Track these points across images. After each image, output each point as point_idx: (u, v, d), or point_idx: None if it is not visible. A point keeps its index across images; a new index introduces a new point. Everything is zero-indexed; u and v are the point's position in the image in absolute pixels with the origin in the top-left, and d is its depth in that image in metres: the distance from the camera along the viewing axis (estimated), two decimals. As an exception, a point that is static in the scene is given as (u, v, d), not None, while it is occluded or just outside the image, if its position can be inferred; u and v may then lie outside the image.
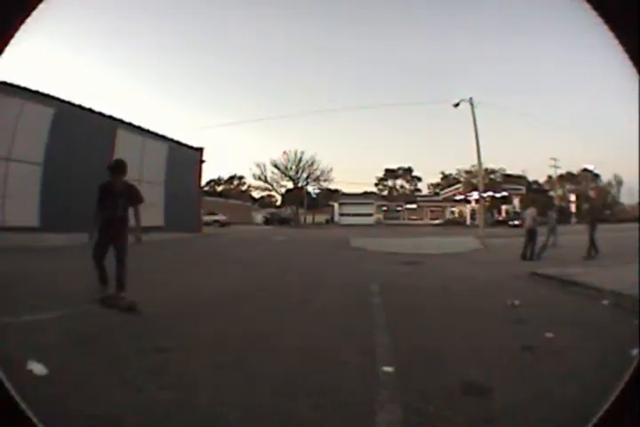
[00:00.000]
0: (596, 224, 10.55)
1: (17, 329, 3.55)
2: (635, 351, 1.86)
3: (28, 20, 1.33)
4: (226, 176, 70.36)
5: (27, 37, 1.40)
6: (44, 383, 2.36)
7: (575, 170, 55.21)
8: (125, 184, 4.92)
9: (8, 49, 1.32)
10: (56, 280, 5.94)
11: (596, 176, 56.10)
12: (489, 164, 46.78)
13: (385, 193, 67.83)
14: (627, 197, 52.46)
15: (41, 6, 1.37)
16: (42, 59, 50.34)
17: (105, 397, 2.28)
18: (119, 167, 4.85)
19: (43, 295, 4.90)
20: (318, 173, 52.71)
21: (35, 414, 1.20)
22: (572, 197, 48.31)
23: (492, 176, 49.32)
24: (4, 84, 12.16)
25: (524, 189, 45.57)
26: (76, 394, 2.28)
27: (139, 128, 18.80)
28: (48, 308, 4.27)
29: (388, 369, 2.75)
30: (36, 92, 13.75)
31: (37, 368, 2.51)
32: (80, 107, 15.61)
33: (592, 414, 1.14)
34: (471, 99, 20.73)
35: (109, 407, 2.16)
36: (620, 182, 54.86)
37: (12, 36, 1.30)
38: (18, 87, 12.94)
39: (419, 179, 71.62)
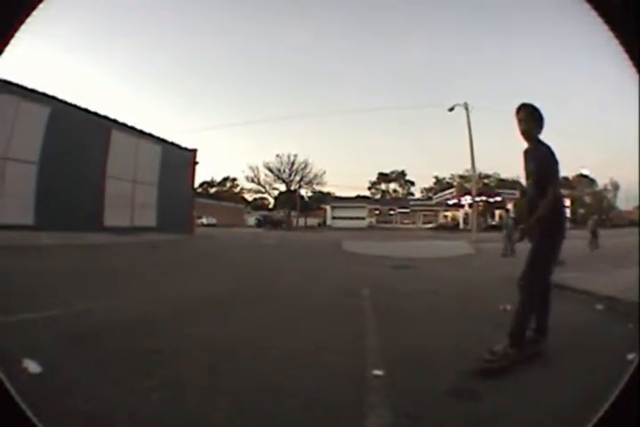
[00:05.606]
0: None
1: (16, 328, 3.51)
2: (632, 355, 1.88)
3: (28, 20, 1.34)
4: (219, 178, 70.36)
5: (26, 37, 1.40)
6: (44, 383, 2.34)
7: (570, 175, 55.36)
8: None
9: (7, 49, 1.33)
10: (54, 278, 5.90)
11: (592, 181, 56.25)
12: (483, 168, 47.15)
13: (378, 197, 68.05)
14: (624, 202, 52.45)
15: (41, 6, 1.37)
16: (40, 58, 50.23)
17: (104, 397, 2.27)
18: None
19: (42, 294, 4.88)
20: (311, 176, 52.86)
21: (35, 414, 1.20)
22: (567, 202, 48.48)
23: (485, 181, 49.63)
24: (2, 82, 12.11)
25: (518, 194, 45.77)
26: (76, 394, 2.26)
27: (133, 129, 18.74)
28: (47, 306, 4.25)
29: (378, 372, 2.74)
30: (33, 91, 13.69)
31: (35, 368, 2.48)
32: (76, 107, 15.55)
33: (591, 415, 1.16)
34: (466, 103, 20.97)
35: (108, 407, 2.15)
36: (616, 187, 54.88)
37: (12, 36, 1.31)
38: (15, 86, 12.88)
39: (412, 183, 71.96)
